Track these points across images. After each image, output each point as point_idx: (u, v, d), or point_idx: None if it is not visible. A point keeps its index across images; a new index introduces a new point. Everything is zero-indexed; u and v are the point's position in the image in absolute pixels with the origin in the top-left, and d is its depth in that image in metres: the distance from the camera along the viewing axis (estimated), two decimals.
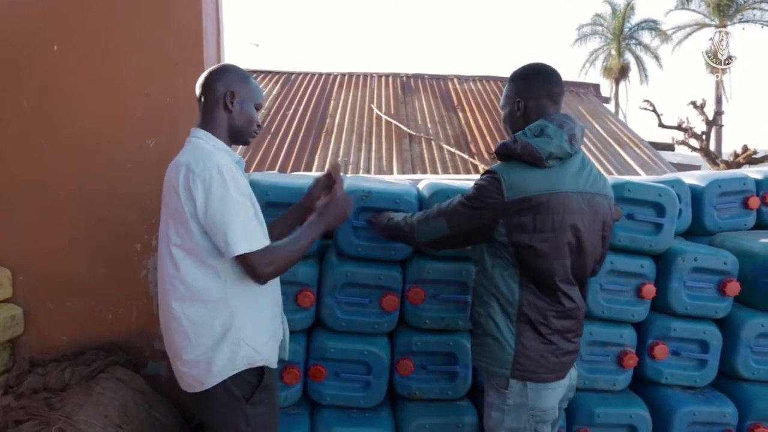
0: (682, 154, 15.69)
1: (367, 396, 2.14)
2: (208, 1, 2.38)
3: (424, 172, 7.62)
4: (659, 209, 2.23)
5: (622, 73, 24.99)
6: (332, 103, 9.85)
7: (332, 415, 2.12)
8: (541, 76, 1.71)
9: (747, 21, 21.27)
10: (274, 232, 1.75)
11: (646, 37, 24.87)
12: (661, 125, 14.93)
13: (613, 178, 2.37)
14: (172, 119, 2.30)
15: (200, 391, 1.54)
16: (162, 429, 2.11)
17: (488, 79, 11.25)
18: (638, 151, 8.87)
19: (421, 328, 2.15)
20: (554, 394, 1.67)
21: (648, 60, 24.85)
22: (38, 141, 2.29)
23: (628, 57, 25.14)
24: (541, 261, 1.59)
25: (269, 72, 10.94)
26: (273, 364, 1.65)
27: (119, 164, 2.31)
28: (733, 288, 2.25)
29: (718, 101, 20.26)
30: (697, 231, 2.57)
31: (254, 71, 10.41)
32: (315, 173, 2.61)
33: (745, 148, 13.02)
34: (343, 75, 11.07)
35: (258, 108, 1.69)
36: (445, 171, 7.68)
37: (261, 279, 1.51)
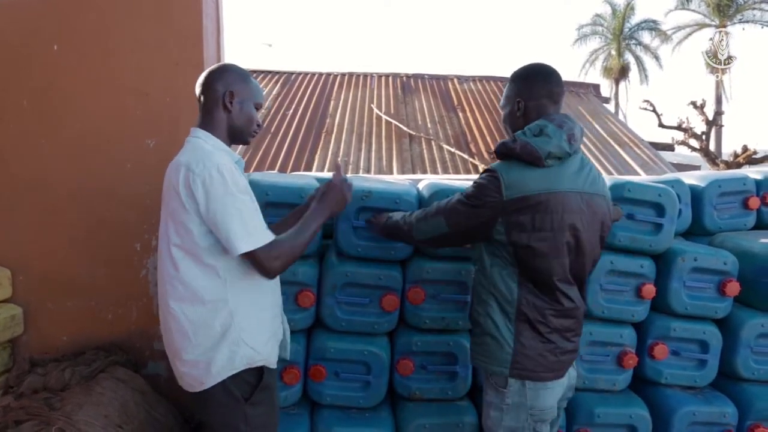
0: (682, 154, 15.69)
1: (367, 396, 2.14)
2: (208, 1, 2.38)
3: (424, 172, 7.62)
4: (659, 209, 2.23)
5: (622, 73, 24.98)
6: (332, 103, 9.86)
7: (332, 415, 2.12)
8: (541, 76, 1.71)
9: (747, 21, 21.28)
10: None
11: (646, 37, 24.91)
12: (661, 125, 14.94)
13: (613, 178, 2.38)
14: (172, 119, 2.30)
15: (200, 390, 1.54)
16: (162, 429, 2.11)
17: (488, 79, 11.26)
18: (638, 151, 8.87)
19: (421, 328, 2.15)
20: (553, 394, 1.67)
21: (648, 60, 24.90)
22: (38, 141, 2.29)
23: (628, 57, 25.15)
24: (540, 260, 1.59)
25: (269, 72, 10.95)
26: (272, 364, 1.65)
27: (119, 164, 2.31)
28: (733, 288, 2.25)
29: (718, 101, 20.26)
30: (697, 231, 2.57)
31: (254, 71, 10.42)
32: (315, 173, 2.60)
33: (745, 149, 13.02)
34: (343, 75, 11.08)
35: (258, 108, 1.69)
36: (445, 171, 7.68)
37: (270, 274, 1.52)
